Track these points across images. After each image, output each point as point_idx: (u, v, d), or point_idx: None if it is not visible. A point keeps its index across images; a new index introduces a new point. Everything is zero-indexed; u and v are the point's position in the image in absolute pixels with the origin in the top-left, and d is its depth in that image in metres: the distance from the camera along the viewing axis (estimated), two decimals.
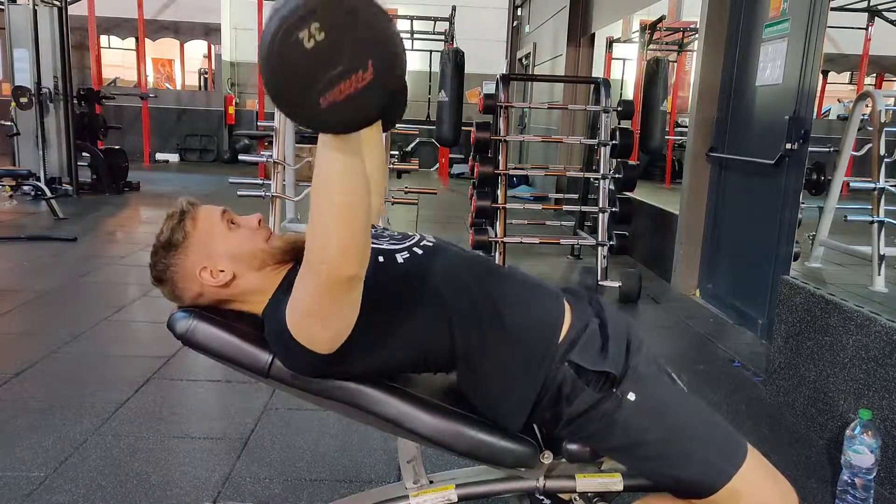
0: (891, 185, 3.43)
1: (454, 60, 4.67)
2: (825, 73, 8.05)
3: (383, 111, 0.78)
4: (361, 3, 0.73)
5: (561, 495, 1.41)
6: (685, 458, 1.11)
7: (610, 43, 7.69)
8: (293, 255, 1.20)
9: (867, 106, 3.63)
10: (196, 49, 13.91)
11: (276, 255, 1.19)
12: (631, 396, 1.10)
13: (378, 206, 1.44)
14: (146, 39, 11.41)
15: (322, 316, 0.99)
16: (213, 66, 13.09)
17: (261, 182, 4.74)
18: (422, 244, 1.20)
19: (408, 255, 1.16)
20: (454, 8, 9.73)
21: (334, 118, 0.77)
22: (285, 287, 1.14)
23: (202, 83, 14.46)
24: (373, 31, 0.74)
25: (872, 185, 3.44)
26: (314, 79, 0.73)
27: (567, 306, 1.19)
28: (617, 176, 4.45)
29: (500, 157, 4.45)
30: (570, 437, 1.16)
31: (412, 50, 11.79)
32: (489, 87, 4.59)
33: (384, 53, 0.75)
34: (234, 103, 12.45)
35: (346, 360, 1.08)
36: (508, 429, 1.16)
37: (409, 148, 11.88)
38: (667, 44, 8.18)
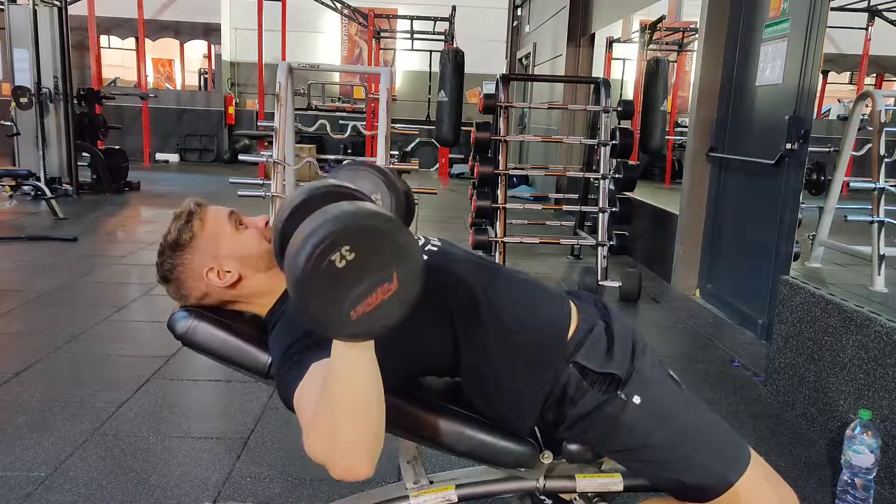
0: (891, 185, 3.43)
1: (454, 60, 4.67)
2: (825, 73, 8.05)
3: (406, 318, 0.82)
4: (381, 219, 0.79)
5: (561, 495, 1.41)
6: (688, 463, 1.10)
7: (610, 43, 7.69)
8: None
9: (867, 106, 3.63)
10: (196, 49, 13.91)
11: None
12: (636, 399, 1.10)
13: None
14: (146, 39, 11.40)
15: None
16: (213, 66, 13.09)
17: (261, 182, 4.74)
18: (427, 248, 1.20)
19: None
20: (454, 8, 9.73)
21: (363, 329, 0.80)
22: None
23: (202, 83, 14.46)
24: (394, 243, 0.79)
25: (872, 185, 3.44)
26: (345, 296, 0.77)
27: (573, 308, 1.19)
28: (617, 176, 4.45)
29: (500, 157, 4.45)
30: (573, 439, 1.16)
31: (412, 50, 11.81)
32: (489, 87, 4.59)
33: (407, 263, 0.80)
34: (234, 103, 12.45)
35: None
36: (516, 432, 1.15)
37: (409, 148, 11.87)
38: (667, 44, 8.18)
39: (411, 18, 10.43)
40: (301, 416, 0.95)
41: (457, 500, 1.21)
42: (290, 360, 1.02)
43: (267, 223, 1.21)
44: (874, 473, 1.79)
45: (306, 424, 0.91)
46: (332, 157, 6.77)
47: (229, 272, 1.16)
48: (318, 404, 0.88)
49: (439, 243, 1.23)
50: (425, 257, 1.17)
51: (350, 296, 0.77)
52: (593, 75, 7.18)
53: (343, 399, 0.85)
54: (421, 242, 1.22)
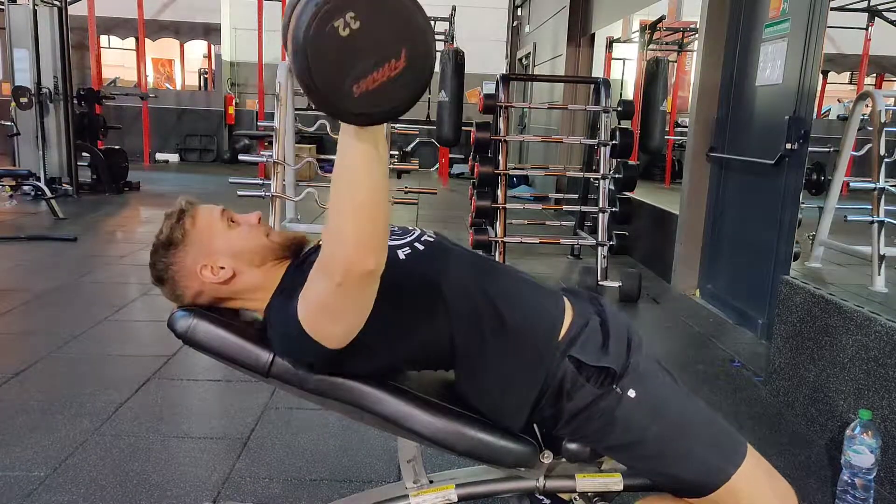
0: (891, 185, 3.43)
1: (454, 60, 4.67)
2: (825, 73, 8.04)
3: (412, 103, 0.78)
4: None
5: (561, 495, 1.41)
6: (685, 457, 1.11)
7: (610, 43, 7.69)
8: (293, 250, 1.21)
9: (867, 106, 3.63)
10: (196, 49, 13.90)
11: (276, 251, 1.19)
12: (631, 393, 1.10)
13: None
14: (146, 39, 11.40)
15: (337, 310, 0.98)
16: (213, 66, 13.09)
17: (261, 182, 4.74)
18: (423, 239, 1.20)
19: (409, 250, 1.16)
20: (454, 8, 9.72)
21: (366, 107, 0.76)
22: (287, 283, 1.14)
23: (202, 83, 14.45)
24: (406, 21, 0.74)
25: (872, 185, 3.44)
26: (348, 67, 0.73)
27: (567, 304, 1.19)
28: (617, 176, 4.45)
29: (500, 157, 4.45)
30: (571, 435, 1.16)
31: None
32: (489, 87, 4.59)
33: (417, 43, 0.75)
34: (234, 103, 12.45)
35: (348, 358, 1.08)
36: (509, 428, 1.16)
37: (409, 148, 11.87)
38: (667, 44, 8.18)
39: None
40: (308, 287, 1.00)
41: (457, 500, 1.22)
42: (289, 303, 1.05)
43: (259, 219, 1.22)
44: (874, 473, 1.79)
45: (316, 263, 0.96)
46: (333, 157, 6.75)
47: (223, 268, 1.17)
48: (329, 208, 0.89)
49: (434, 236, 1.23)
50: (421, 247, 1.17)
51: (353, 69, 0.73)
52: (593, 75, 7.18)
53: (348, 194, 0.86)
54: (416, 234, 1.22)
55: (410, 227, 1.25)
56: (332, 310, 0.98)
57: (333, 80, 0.73)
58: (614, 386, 1.10)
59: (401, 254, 1.15)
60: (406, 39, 0.74)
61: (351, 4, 0.71)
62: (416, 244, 1.18)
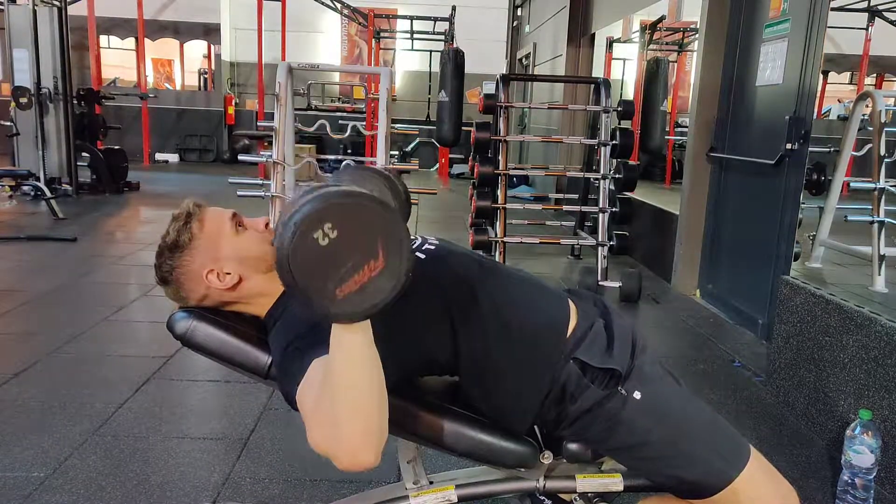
0: (891, 185, 3.42)
1: (454, 60, 4.67)
2: (825, 73, 8.04)
3: (398, 295, 0.82)
4: (365, 199, 0.80)
5: (561, 496, 1.41)
6: (688, 459, 1.10)
7: (610, 43, 7.68)
8: None
9: (867, 106, 3.63)
10: (196, 49, 13.90)
11: None
12: (636, 395, 1.10)
13: None
14: (146, 39, 11.40)
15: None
16: (213, 67, 13.09)
17: (261, 182, 4.74)
18: (424, 248, 1.20)
19: None
20: (454, 8, 9.72)
21: (351, 308, 0.80)
22: None
23: (202, 83, 14.45)
24: (380, 224, 0.80)
25: (872, 185, 3.44)
26: (330, 274, 0.78)
27: (572, 306, 1.19)
28: (617, 176, 4.45)
29: (500, 157, 4.45)
30: (574, 437, 1.16)
31: (412, 50, 11.81)
32: (489, 87, 4.60)
33: (393, 241, 0.80)
34: (233, 103, 12.44)
35: None
36: (514, 431, 1.15)
37: (409, 148, 11.88)
38: (667, 44, 8.17)
39: (411, 18, 10.43)
40: (303, 410, 0.95)
41: (457, 501, 1.21)
42: (291, 356, 1.02)
43: (267, 225, 1.21)
44: (874, 473, 1.79)
45: (309, 418, 0.91)
46: (332, 157, 6.75)
47: (229, 274, 1.16)
48: (320, 397, 0.88)
49: (437, 242, 1.23)
50: (422, 256, 1.17)
51: (336, 274, 0.78)
52: (593, 75, 7.18)
53: (343, 390, 0.85)
54: (418, 242, 1.22)
55: (413, 237, 1.25)
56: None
57: (317, 288, 0.78)
58: (619, 388, 1.10)
59: None
60: (382, 240, 0.79)
61: (326, 216, 0.77)
62: (418, 253, 1.18)
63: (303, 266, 0.77)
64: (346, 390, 0.85)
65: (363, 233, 0.79)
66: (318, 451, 0.88)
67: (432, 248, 1.20)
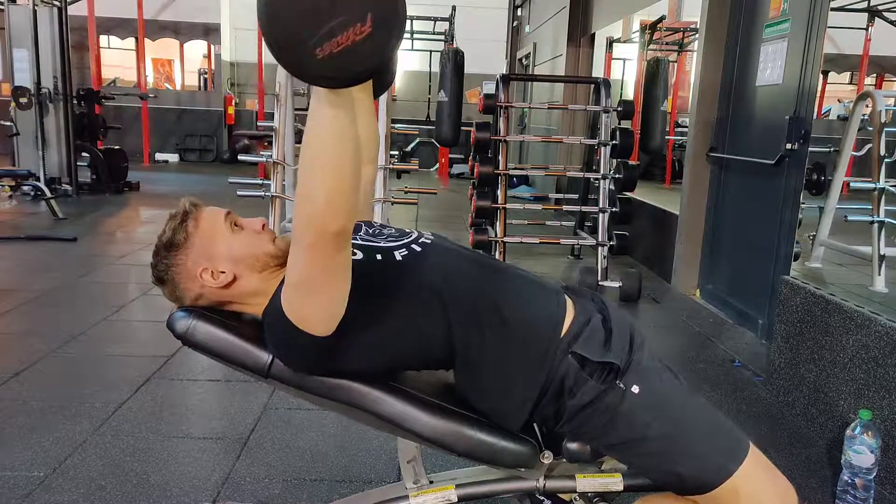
0: (891, 185, 3.43)
1: (454, 60, 4.67)
2: (825, 74, 8.04)
3: (378, 68, 0.78)
4: None
5: (561, 495, 1.41)
6: (687, 454, 1.10)
7: (610, 43, 7.68)
8: None
9: (867, 106, 3.63)
10: (196, 49, 13.90)
11: (279, 257, 1.18)
12: (635, 389, 1.10)
13: (373, 174, 1.43)
14: (146, 39, 11.41)
15: (312, 282, 0.99)
16: (213, 66, 13.09)
17: (261, 182, 4.74)
18: (420, 241, 1.20)
19: (406, 252, 1.16)
20: (454, 8, 9.72)
21: (329, 70, 0.76)
22: None
23: (202, 83, 14.45)
24: None
25: (872, 185, 3.44)
26: (312, 29, 0.73)
27: (569, 301, 1.19)
28: (617, 176, 4.45)
29: (500, 157, 4.45)
30: (572, 434, 1.16)
31: (412, 50, 11.81)
32: (489, 87, 4.60)
33: (383, 8, 0.75)
34: (233, 103, 12.45)
35: (344, 356, 1.08)
36: (508, 428, 1.15)
37: (408, 148, 11.87)
38: (667, 44, 8.17)
39: (411, 18, 10.40)
40: (286, 270, 1.02)
41: (457, 500, 1.21)
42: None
43: (264, 226, 1.21)
44: (874, 473, 1.79)
45: (294, 210, 0.96)
46: None
47: (223, 273, 1.16)
48: (299, 170, 0.91)
49: (432, 237, 1.23)
50: (418, 249, 1.17)
51: (318, 31, 0.73)
52: (593, 75, 7.18)
53: (317, 157, 0.88)
54: (413, 236, 1.22)
55: (408, 230, 1.25)
56: (308, 283, 0.99)
57: (296, 42, 0.73)
58: (618, 381, 1.10)
59: (397, 255, 1.15)
60: (372, 4, 0.74)
61: None
62: (413, 246, 1.18)
63: (283, 16, 0.72)
64: (318, 159, 0.88)
65: None
66: (301, 228, 0.93)
67: (428, 241, 1.21)
